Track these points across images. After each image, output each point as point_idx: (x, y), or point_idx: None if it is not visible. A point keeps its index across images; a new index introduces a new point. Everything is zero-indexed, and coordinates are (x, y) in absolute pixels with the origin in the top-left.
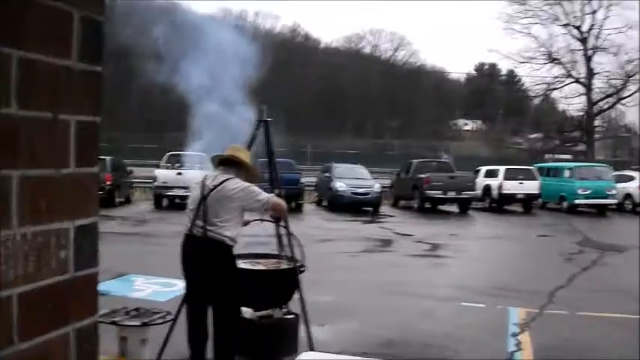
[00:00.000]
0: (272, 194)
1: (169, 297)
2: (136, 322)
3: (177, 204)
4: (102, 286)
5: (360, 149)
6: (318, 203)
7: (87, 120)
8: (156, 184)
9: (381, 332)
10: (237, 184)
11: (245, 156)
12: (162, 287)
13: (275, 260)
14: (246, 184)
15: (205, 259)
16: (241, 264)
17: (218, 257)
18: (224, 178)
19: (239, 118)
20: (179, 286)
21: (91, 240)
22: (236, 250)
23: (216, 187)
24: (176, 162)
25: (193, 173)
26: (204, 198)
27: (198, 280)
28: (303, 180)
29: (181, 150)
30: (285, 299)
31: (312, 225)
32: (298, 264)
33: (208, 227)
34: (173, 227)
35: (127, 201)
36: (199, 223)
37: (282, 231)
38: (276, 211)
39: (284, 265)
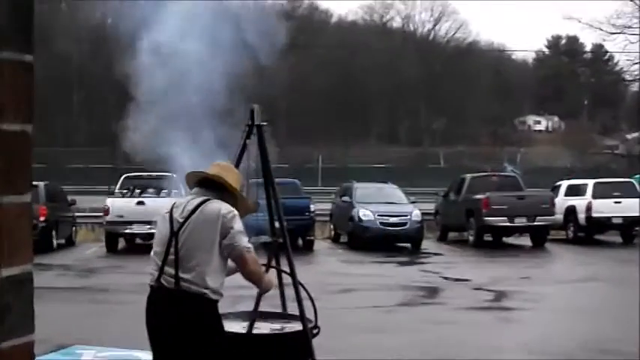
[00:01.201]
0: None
1: None
2: None
3: (137, 245)
4: None
5: (391, 161)
6: (335, 239)
7: (13, 130)
8: (108, 218)
9: None
10: (221, 206)
11: (234, 179)
12: None
13: (278, 320)
14: (233, 209)
15: (180, 321)
16: (231, 327)
17: (197, 318)
18: (200, 200)
19: (223, 124)
20: None
21: (23, 298)
22: (222, 308)
23: (189, 215)
24: (136, 187)
25: (160, 202)
26: (174, 234)
27: (170, 350)
28: (312, 207)
29: (143, 170)
30: None
31: (328, 270)
32: (310, 325)
33: (182, 276)
34: (133, 278)
35: (69, 243)
36: (169, 270)
37: (287, 279)
38: (265, 287)
39: (290, 328)
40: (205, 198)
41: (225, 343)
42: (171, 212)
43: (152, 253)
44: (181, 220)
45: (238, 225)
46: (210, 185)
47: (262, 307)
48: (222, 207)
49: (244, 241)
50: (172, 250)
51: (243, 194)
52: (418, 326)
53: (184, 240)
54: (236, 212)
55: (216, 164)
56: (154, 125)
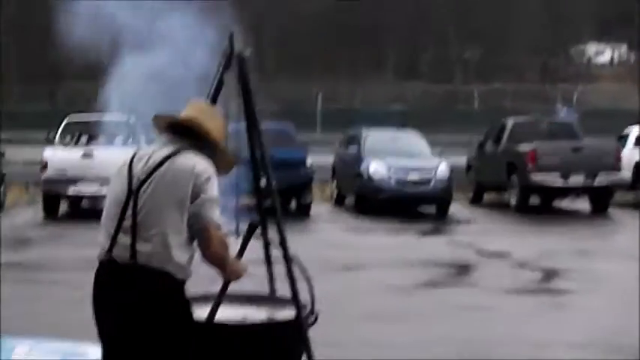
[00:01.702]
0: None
1: None
2: None
3: (84, 210)
4: None
5: (411, 102)
6: (338, 201)
7: None
8: (46, 175)
9: None
10: (195, 161)
11: (216, 126)
12: (61, 357)
13: (264, 305)
14: (210, 169)
15: (135, 305)
16: (203, 313)
17: (158, 301)
18: (169, 152)
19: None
20: (91, 355)
21: None
22: (192, 288)
23: (153, 170)
24: (82, 134)
25: (113, 154)
26: (132, 194)
27: (123, 341)
28: (310, 161)
29: (89, 113)
30: None
31: (329, 241)
32: (305, 311)
33: (140, 248)
34: (77, 251)
35: None
36: (124, 240)
37: (275, 252)
38: (231, 275)
39: (280, 315)
40: (176, 149)
41: (192, 334)
42: (130, 165)
43: (102, 218)
44: (143, 177)
45: (212, 191)
46: (184, 132)
47: (245, 288)
48: (197, 162)
49: (214, 214)
50: (129, 213)
51: (226, 146)
52: (443, 314)
53: (145, 201)
54: (213, 173)
55: (193, 105)
56: (105, 49)
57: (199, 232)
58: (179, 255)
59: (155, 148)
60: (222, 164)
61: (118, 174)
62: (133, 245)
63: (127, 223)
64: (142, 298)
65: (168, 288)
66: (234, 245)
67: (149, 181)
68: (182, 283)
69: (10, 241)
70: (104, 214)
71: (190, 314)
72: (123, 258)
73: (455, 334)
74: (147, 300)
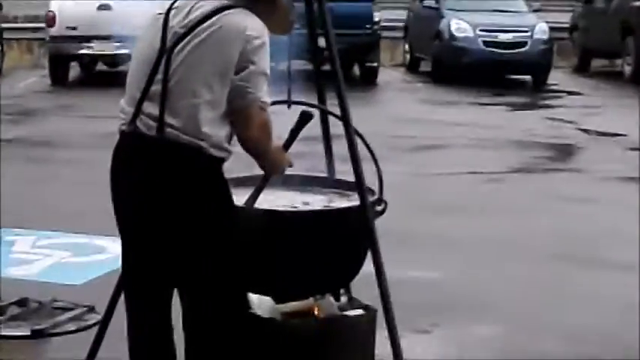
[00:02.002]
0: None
1: (90, 276)
2: (21, 331)
3: (99, 74)
4: None
5: None
6: (412, 66)
7: None
8: (53, 31)
9: (549, 347)
10: (247, 22)
11: None
12: (73, 254)
13: (321, 192)
14: (265, 33)
15: (163, 184)
16: (245, 198)
17: (190, 179)
18: (216, 5)
19: None
20: (110, 251)
21: None
22: (231, 170)
23: (196, 25)
24: None
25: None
26: (166, 52)
27: (148, 229)
28: (377, 16)
29: None
30: (346, 276)
31: (400, 114)
32: (372, 199)
33: (169, 120)
34: (91, 124)
35: None
36: (150, 108)
37: (336, 126)
38: (271, 168)
39: (341, 202)
40: (226, 4)
41: (233, 224)
42: (166, 16)
43: (128, 79)
44: (181, 32)
45: (264, 62)
46: None
47: (300, 171)
48: (250, 24)
49: (261, 90)
50: (159, 77)
51: (286, 3)
52: (540, 205)
53: (180, 63)
54: (267, 40)
55: None
56: None
57: (239, 111)
58: (215, 131)
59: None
60: (278, 25)
61: (151, 26)
62: (161, 116)
63: (156, 88)
64: (171, 176)
65: (202, 165)
66: (281, 128)
67: (188, 38)
68: (219, 160)
69: (12, 112)
70: (130, 74)
71: (230, 197)
72: (148, 129)
73: (554, 229)
74: (177, 178)
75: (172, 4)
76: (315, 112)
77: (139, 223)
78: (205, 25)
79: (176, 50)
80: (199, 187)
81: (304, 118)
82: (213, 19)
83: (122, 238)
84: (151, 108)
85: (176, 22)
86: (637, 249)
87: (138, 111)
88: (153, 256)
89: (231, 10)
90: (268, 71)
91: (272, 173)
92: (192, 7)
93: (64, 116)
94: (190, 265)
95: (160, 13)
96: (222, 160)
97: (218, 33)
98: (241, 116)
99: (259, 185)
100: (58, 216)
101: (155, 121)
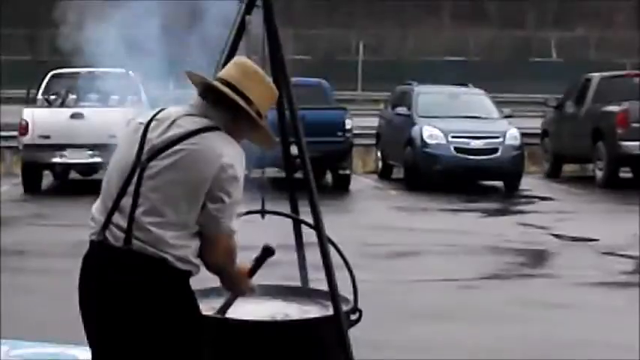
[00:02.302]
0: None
1: None
2: None
3: (72, 182)
4: None
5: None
6: (384, 174)
7: None
8: (26, 140)
9: None
10: (223, 149)
11: (260, 90)
12: None
13: (294, 299)
14: (240, 164)
15: (128, 297)
16: (212, 309)
17: (155, 294)
18: (198, 126)
19: None
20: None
21: None
22: (197, 282)
23: (174, 142)
24: (70, 91)
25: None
26: (140, 164)
27: (114, 341)
28: (349, 123)
29: (79, 66)
30: None
31: (373, 221)
32: (346, 308)
33: (137, 232)
34: (65, 234)
35: None
36: (119, 220)
37: (309, 235)
38: (233, 290)
39: (313, 312)
40: (207, 125)
41: (199, 333)
42: (146, 128)
43: (103, 186)
44: (158, 146)
45: (237, 191)
46: (220, 99)
47: (273, 280)
48: (226, 151)
49: (232, 221)
50: (131, 188)
51: (266, 124)
52: (514, 312)
53: (152, 178)
54: (241, 168)
55: (238, 62)
56: None
57: (207, 236)
58: (180, 246)
59: (182, 113)
60: (261, 140)
61: (131, 134)
62: (128, 229)
63: (127, 200)
64: (136, 288)
65: (167, 278)
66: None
67: (164, 154)
68: (186, 273)
69: None
70: (105, 181)
71: (197, 309)
72: (115, 240)
73: (528, 335)
74: (142, 290)
75: (154, 115)
76: (286, 227)
77: (105, 334)
78: (182, 144)
79: (150, 164)
80: (164, 300)
81: (267, 254)
82: (192, 139)
83: (90, 347)
84: (120, 219)
85: (155, 135)
86: (613, 355)
87: (107, 221)
88: None
89: (210, 133)
90: (241, 198)
91: (236, 295)
92: (174, 122)
93: (36, 225)
94: None
95: (142, 123)
96: (190, 273)
97: (193, 155)
98: (209, 241)
99: (230, 298)
100: (30, 325)
101: (123, 232)
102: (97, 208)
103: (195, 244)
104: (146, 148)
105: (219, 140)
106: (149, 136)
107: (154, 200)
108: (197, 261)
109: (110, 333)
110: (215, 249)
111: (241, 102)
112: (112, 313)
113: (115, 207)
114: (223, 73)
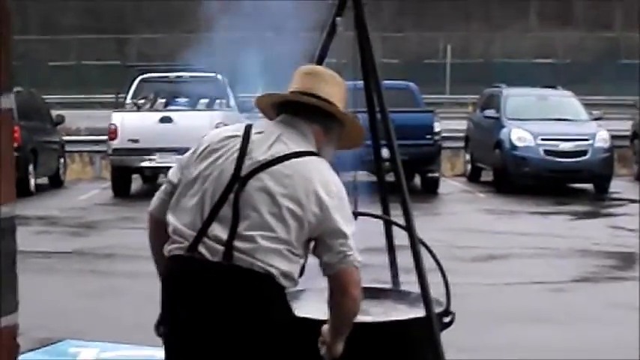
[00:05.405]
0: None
1: None
2: None
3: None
4: None
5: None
6: (473, 177)
7: None
8: (115, 144)
9: None
10: (313, 174)
11: (338, 91)
12: None
13: (385, 301)
14: (337, 184)
15: (228, 313)
16: (303, 311)
17: (258, 310)
18: (297, 149)
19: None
20: None
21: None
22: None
23: (279, 159)
24: (159, 95)
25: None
26: (239, 180)
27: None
28: (437, 126)
29: (169, 69)
30: None
31: (462, 224)
32: (438, 310)
33: (238, 244)
34: None
35: (55, 183)
36: (217, 232)
37: (401, 237)
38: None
39: (403, 313)
40: (298, 150)
41: (295, 343)
42: (246, 139)
43: (183, 202)
44: (262, 162)
45: (345, 212)
46: (300, 108)
47: (363, 283)
48: (317, 177)
49: (354, 247)
50: (230, 202)
51: (353, 117)
52: (606, 315)
53: (261, 191)
54: (340, 188)
55: (306, 71)
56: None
57: (338, 275)
58: (287, 263)
59: (279, 132)
60: (349, 139)
61: (231, 141)
62: (229, 241)
63: (226, 212)
64: (238, 305)
65: (272, 294)
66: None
67: (266, 171)
68: (284, 289)
69: (72, 224)
70: (187, 192)
71: (292, 323)
72: (212, 255)
73: (619, 338)
74: (244, 306)
75: (249, 128)
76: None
77: (197, 345)
78: (288, 162)
79: (251, 180)
80: (266, 315)
81: None
82: (300, 159)
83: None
84: (220, 231)
85: (260, 151)
86: None
87: (202, 234)
88: None
89: (308, 153)
90: (350, 214)
91: (331, 342)
92: (277, 138)
93: (126, 228)
94: None
95: (232, 137)
96: (286, 288)
97: (294, 179)
98: (340, 280)
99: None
100: (120, 328)
101: (222, 245)
102: (181, 222)
103: (301, 262)
104: (246, 162)
105: (310, 164)
106: (250, 148)
107: (260, 214)
108: (298, 278)
109: (207, 350)
110: (350, 286)
111: (325, 103)
112: (210, 331)
113: (212, 219)
114: (297, 83)
